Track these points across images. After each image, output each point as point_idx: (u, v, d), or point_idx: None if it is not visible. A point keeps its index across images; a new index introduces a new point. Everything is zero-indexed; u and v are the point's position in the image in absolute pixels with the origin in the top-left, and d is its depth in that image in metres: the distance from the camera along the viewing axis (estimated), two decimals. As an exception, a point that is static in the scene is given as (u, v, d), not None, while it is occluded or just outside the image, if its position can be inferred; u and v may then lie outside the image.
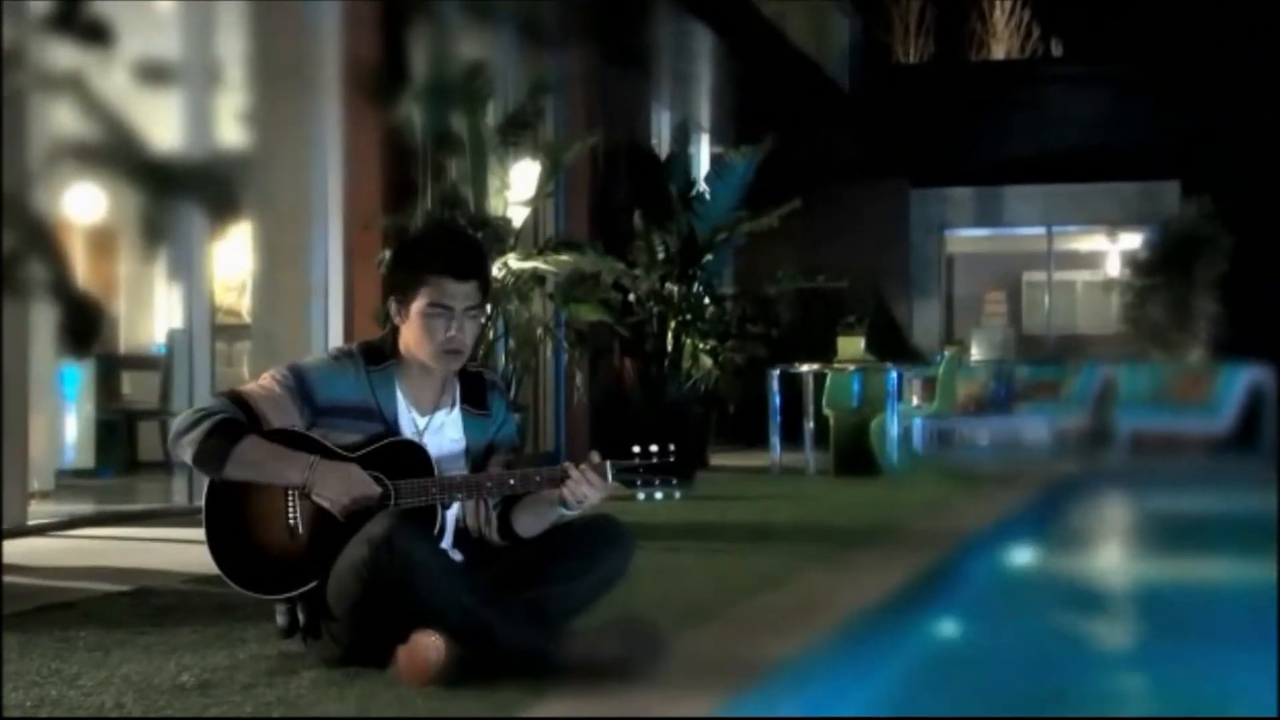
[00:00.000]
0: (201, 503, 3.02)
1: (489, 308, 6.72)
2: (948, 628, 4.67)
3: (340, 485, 2.97)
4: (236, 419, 2.97)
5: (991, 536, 6.19)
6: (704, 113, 13.22)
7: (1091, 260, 18.38)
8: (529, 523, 3.14)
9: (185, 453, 2.95)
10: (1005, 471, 10.05)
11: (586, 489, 3.02)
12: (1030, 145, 16.32)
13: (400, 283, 3.13)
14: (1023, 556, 6.52)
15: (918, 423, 10.62)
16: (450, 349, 3.08)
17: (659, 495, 3.08)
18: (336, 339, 7.20)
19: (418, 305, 3.08)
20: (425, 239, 3.75)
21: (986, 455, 12.29)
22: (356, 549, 2.88)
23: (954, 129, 16.49)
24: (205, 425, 2.94)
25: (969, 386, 12.41)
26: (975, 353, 14.85)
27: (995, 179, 16.63)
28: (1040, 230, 17.32)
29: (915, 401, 11.29)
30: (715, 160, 11.36)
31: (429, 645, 2.82)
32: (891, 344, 13.45)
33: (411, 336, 3.10)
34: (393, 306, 3.14)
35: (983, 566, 5.62)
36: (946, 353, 11.50)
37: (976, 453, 12.36)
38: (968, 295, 18.31)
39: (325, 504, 2.96)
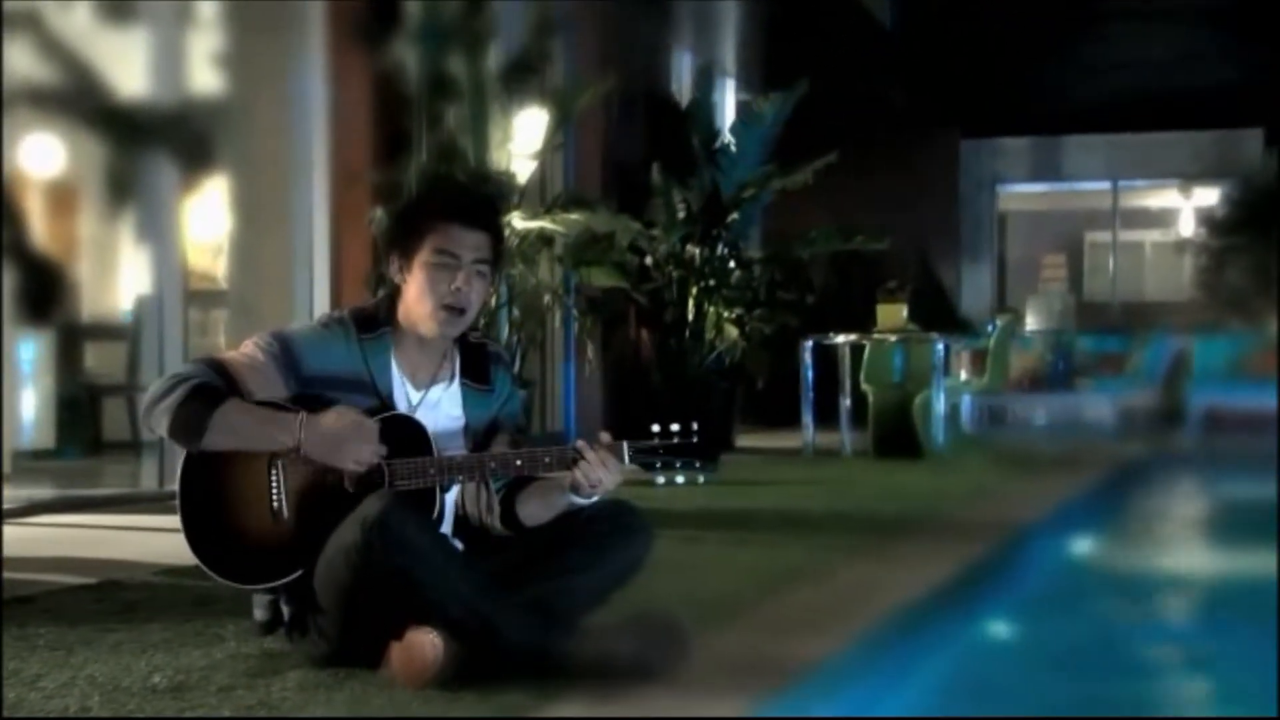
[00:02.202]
0: (174, 485, 3.03)
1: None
2: (1000, 627, 4.68)
3: (334, 436, 2.95)
4: (214, 383, 2.98)
5: (1049, 527, 6.19)
6: (729, 55, 13.17)
7: (1162, 219, 18.30)
8: (535, 510, 3.15)
9: (160, 423, 2.96)
10: (1064, 454, 10.04)
11: (602, 472, 3.02)
12: (1094, 89, 16.23)
13: (404, 235, 3.15)
14: (1084, 549, 6.52)
15: (966, 400, 10.61)
16: (453, 304, 3.09)
17: (680, 478, 3.10)
18: (322, 306, 7.22)
19: (422, 256, 3.10)
20: (433, 188, 3.81)
21: (1043, 436, 12.27)
22: (347, 533, 2.89)
23: (1009, 71, 16.40)
24: (181, 391, 2.95)
25: (1024, 360, 12.39)
26: (1031, 322, 14.80)
27: (1055, 127, 16.55)
28: (1105, 185, 17.24)
29: (964, 376, 11.28)
30: (742, 108, 11.35)
31: (426, 643, 2.83)
32: (937, 312, 13.41)
33: (412, 294, 3.11)
34: (393, 264, 3.15)
35: (1039, 560, 5.62)
36: (999, 322, 11.48)
37: (1032, 433, 12.35)
38: (1023, 258, 18.26)
39: (331, 461, 2.96)
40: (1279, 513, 6.23)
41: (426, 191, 3.73)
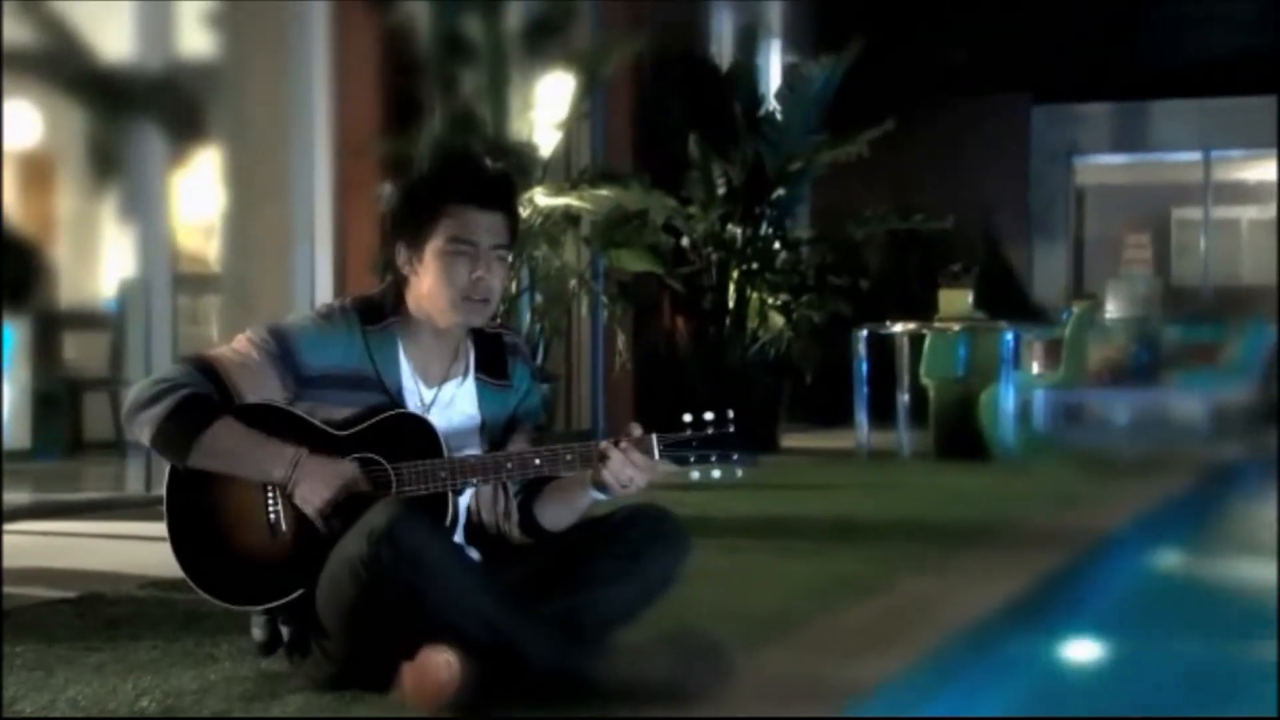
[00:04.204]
0: (162, 491, 3.05)
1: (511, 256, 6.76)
2: (1075, 648, 4.66)
3: (324, 486, 2.98)
4: (205, 395, 2.99)
5: (1132, 537, 6.17)
6: (775, 13, 13.16)
7: (1259, 193, 18.17)
8: (557, 513, 3.16)
9: (143, 432, 2.98)
10: (1149, 457, 10.00)
11: (631, 471, 3.02)
12: (1183, 48, 16.14)
13: (411, 222, 3.15)
14: (1171, 562, 6.50)
15: (1039, 396, 10.58)
16: (475, 296, 3.10)
17: (717, 473, 3.09)
18: (324, 292, 7.25)
19: (434, 245, 3.10)
20: (440, 167, 3.82)
21: (1125, 436, 12.23)
22: (352, 544, 2.89)
23: (1086, 29, 16.32)
24: (167, 402, 2.97)
25: (1104, 351, 12.35)
26: (1111, 309, 14.77)
27: (1138, 91, 16.46)
28: (1195, 155, 17.14)
29: (1036, 369, 11.24)
30: (789, 72, 11.32)
31: (440, 663, 2.84)
32: (1006, 298, 13.39)
33: (427, 285, 3.11)
34: (401, 255, 3.15)
35: (1120, 574, 5.60)
36: (1076, 309, 11.44)
37: (1113, 433, 12.31)
38: (1103, 237, 18.18)
39: (307, 510, 2.99)
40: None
41: (432, 172, 3.72)
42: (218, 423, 2.96)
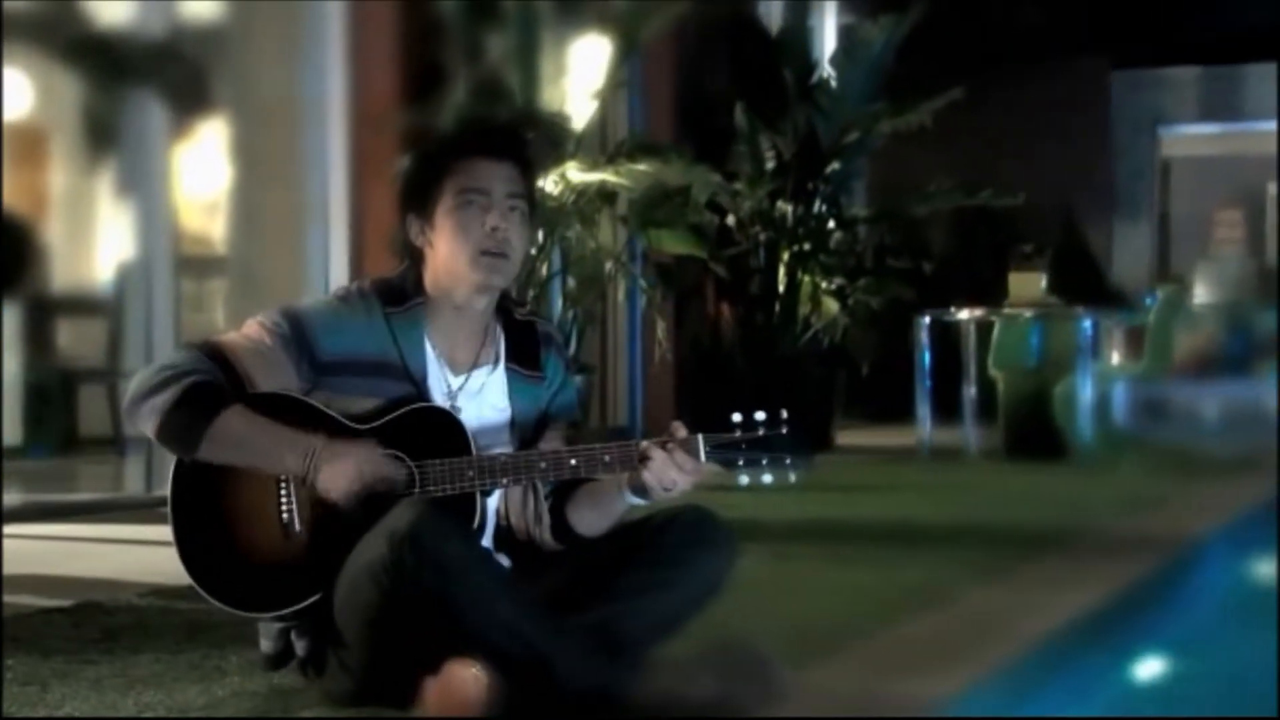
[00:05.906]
0: (164, 491, 3.07)
1: (539, 232, 6.80)
2: (1161, 664, 4.66)
3: (350, 474, 2.99)
4: (214, 382, 3.01)
5: (1222, 543, 6.15)
6: (829, -31, 13.13)
7: (1364, 166, 18.06)
8: (591, 517, 3.17)
9: (147, 424, 3.01)
10: (1241, 455, 9.94)
11: (675, 473, 3.02)
12: (1278, 5, 16.02)
13: (418, 189, 3.18)
14: (1265, 570, 6.47)
15: (1120, 388, 10.53)
16: (492, 249, 3.11)
17: (768, 478, 3.09)
18: (339, 276, 7.28)
19: (444, 204, 3.13)
20: (445, 131, 3.85)
21: (1215, 433, 12.15)
22: (372, 548, 2.91)
23: (1173, -13, 16.24)
24: (173, 390, 2.99)
25: (1192, 339, 12.27)
26: (1200, 293, 14.66)
27: (1229, 54, 16.36)
28: (1292, 125, 17.02)
29: (1116, 359, 11.20)
30: (845, 35, 11.31)
31: (467, 677, 2.86)
32: (1084, 282, 13.34)
33: (442, 251, 3.14)
34: (413, 227, 3.18)
35: (1209, 584, 5.58)
36: (1161, 293, 11.39)
37: (1201, 429, 12.23)
38: (1191, 214, 18.06)
39: (331, 495, 3.00)
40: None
41: (436, 138, 3.81)
42: (227, 411, 2.98)
